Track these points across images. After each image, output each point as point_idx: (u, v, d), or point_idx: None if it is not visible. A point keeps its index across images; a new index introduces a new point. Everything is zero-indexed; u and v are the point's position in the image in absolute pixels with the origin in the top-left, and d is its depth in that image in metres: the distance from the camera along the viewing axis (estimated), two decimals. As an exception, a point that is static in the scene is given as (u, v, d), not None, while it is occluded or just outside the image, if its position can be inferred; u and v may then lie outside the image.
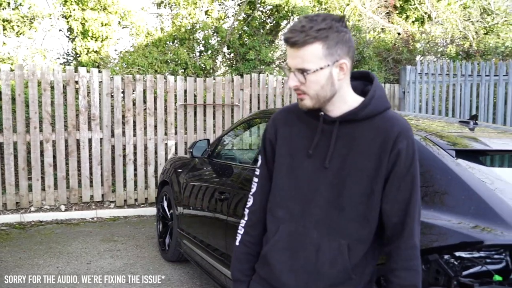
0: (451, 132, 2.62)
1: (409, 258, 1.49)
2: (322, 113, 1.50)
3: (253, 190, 1.72)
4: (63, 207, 6.68)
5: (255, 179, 1.72)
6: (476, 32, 11.92)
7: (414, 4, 11.71)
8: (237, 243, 1.72)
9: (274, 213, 1.60)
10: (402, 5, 11.96)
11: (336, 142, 1.49)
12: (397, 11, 11.98)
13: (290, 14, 9.73)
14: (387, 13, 11.79)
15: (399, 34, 11.40)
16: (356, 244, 1.49)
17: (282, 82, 7.74)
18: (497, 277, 1.73)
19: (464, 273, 1.80)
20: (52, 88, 6.61)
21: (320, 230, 1.50)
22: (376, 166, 1.47)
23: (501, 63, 8.00)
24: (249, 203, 1.71)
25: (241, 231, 1.72)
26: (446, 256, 1.84)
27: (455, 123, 3.01)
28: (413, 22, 12.05)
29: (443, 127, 2.84)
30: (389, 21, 11.73)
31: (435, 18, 11.84)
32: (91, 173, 6.85)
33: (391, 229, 1.50)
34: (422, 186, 2.26)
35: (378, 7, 11.46)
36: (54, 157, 6.73)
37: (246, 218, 1.72)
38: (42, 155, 6.72)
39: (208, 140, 4.53)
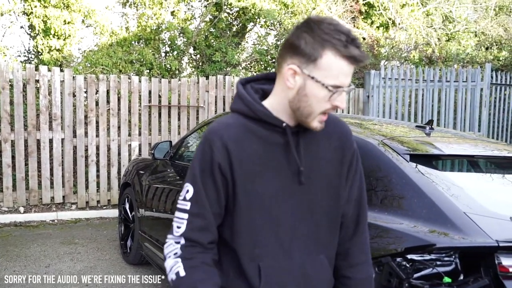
0: (407, 137, 2.67)
1: (367, 252, 1.52)
2: (285, 123, 1.34)
3: (180, 230, 1.34)
4: (22, 209, 6.50)
5: (182, 215, 1.33)
6: (438, 38, 12.24)
7: (379, 10, 11.94)
8: (182, 274, 1.31)
9: (248, 253, 1.36)
10: (367, 10, 12.16)
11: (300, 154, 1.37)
12: (363, 16, 12.17)
13: (256, 17, 9.76)
14: (353, 18, 11.96)
15: (364, 39, 11.58)
16: (331, 253, 1.47)
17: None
18: (447, 279, 1.78)
19: (416, 275, 1.84)
20: (12, 86, 6.43)
21: (302, 252, 1.40)
22: (338, 171, 1.43)
23: (461, 70, 8.24)
24: (180, 244, 1.34)
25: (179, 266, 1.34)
26: (398, 259, 1.88)
27: (413, 128, 3.08)
28: (377, 27, 12.27)
29: (401, 131, 2.90)
30: (354, 26, 11.91)
31: (399, 24, 12.09)
32: (51, 174, 6.69)
33: (346, 227, 1.48)
34: (381, 190, 2.30)
35: (344, 11, 11.63)
36: (13, 157, 6.55)
37: (180, 265, 1.32)
38: (0, 155, 6.52)
39: (170, 141, 4.50)
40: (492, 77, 8.34)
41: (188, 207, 1.33)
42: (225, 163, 1.32)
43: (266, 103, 1.37)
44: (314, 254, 1.41)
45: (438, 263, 1.85)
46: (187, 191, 1.34)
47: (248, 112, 1.36)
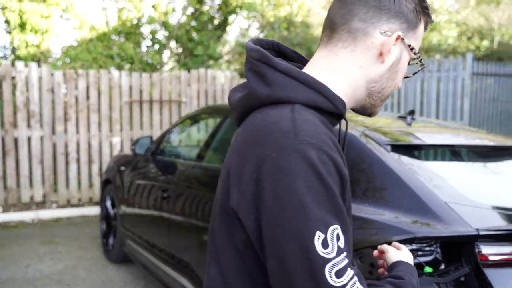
0: (388, 127, 2.65)
1: None
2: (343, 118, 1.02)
3: None
4: (0, 209, 6.37)
5: (347, 275, 0.82)
6: (420, 29, 12.28)
7: (361, 1, 11.93)
8: None
9: None
10: (349, 2, 12.16)
11: None
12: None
13: (238, 10, 9.68)
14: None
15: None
16: None
17: (231, 78, 7.69)
18: (428, 269, 1.75)
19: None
20: (-12, 83, 6.29)
21: None
22: None
23: (443, 60, 8.27)
24: None
25: None
26: (379, 251, 1.85)
27: (395, 119, 3.06)
28: (360, 19, 12.28)
29: (383, 122, 2.88)
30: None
31: (381, 15, 12.10)
32: (31, 173, 6.56)
33: None
34: (362, 182, 2.27)
35: (327, 2, 11.60)
36: (-9, 156, 6.41)
37: None
38: (-23, 154, 6.38)
39: (151, 137, 4.43)
40: (473, 66, 8.38)
41: (347, 260, 0.84)
42: (347, 176, 0.90)
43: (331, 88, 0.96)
44: None
45: (420, 253, 1.82)
46: (338, 237, 0.83)
47: (323, 104, 0.93)
